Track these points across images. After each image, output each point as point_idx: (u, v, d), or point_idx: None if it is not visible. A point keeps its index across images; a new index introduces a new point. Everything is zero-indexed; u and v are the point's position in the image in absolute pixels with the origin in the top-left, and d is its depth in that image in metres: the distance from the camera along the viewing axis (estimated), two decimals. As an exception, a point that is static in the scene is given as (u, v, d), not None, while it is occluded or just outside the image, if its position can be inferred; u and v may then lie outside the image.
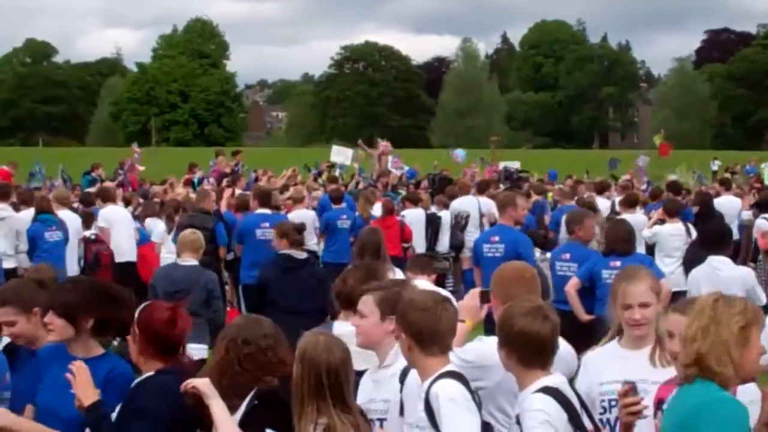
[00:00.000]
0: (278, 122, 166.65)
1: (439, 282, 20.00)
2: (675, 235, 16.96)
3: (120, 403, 5.85)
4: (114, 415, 5.78)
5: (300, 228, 13.28)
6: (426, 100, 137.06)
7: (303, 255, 12.81)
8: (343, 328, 7.27)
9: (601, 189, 24.26)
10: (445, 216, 20.74)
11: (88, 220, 18.01)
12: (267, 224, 16.45)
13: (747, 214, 22.09)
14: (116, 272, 17.10)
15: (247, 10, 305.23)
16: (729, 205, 22.07)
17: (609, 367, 6.15)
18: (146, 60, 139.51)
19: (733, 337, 4.59)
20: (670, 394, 5.12)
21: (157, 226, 18.60)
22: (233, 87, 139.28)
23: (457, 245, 20.48)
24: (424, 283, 8.68)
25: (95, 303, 6.24)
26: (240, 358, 5.59)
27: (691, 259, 15.01)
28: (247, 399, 5.50)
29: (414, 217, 20.37)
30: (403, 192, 26.77)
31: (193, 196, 21.68)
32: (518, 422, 5.36)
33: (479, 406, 5.43)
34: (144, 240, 18.41)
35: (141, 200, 23.74)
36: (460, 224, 20.61)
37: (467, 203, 21.13)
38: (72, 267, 16.54)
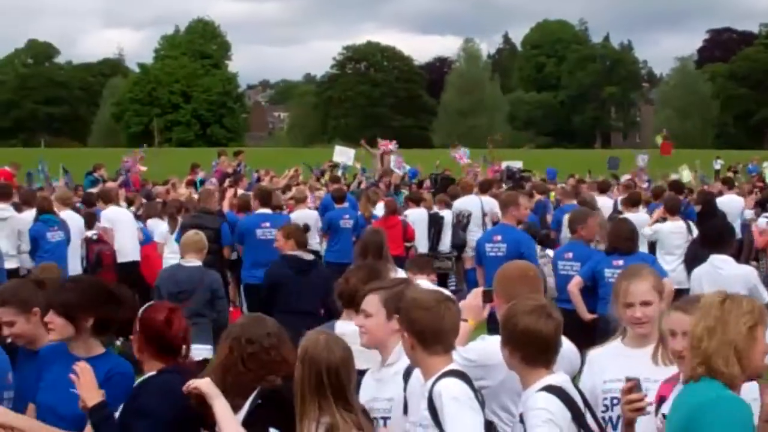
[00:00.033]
0: (280, 122, 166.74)
1: (442, 281, 20.06)
2: (676, 232, 16.95)
3: (120, 401, 5.87)
4: (117, 415, 5.79)
5: (305, 229, 13.31)
6: (428, 101, 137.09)
7: (310, 256, 12.86)
8: (345, 327, 7.28)
9: (604, 188, 24.24)
10: (448, 216, 20.75)
11: (90, 220, 18.03)
12: (268, 224, 16.46)
13: (749, 213, 22.11)
14: (119, 272, 17.14)
15: (248, 10, 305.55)
16: (732, 204, 22.08)
17: (612, 366, 6.15)
18: (148, 60, 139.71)
19: (742, 337, 4.59)
20: (672, 392, 5.12)
21: (159, 226, 18.60)
22: (235, 87, 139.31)
23: (459, 244, 20.48)
24: (424, 283, 8.68)
25: (95, 302, 6.25)
26: (243, 357, 5.59)
27: (693, 257, 15.06)
28: (251, 398, 5.50)
29: (417, 217, 20.38)
30: (405, 192, 26.79)
31: (195, 196, 21.70)
32: (522, 421, 5.36)
33: (482, 404, 5.43)
34: (147, 240, 18.43)
35: (144, 200, 23.76)
36: (461, 223, 20.61)
37: (470, 203, 21.12)
38: (75, 267, 16.56)
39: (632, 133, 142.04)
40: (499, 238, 13.82)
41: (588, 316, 12.08)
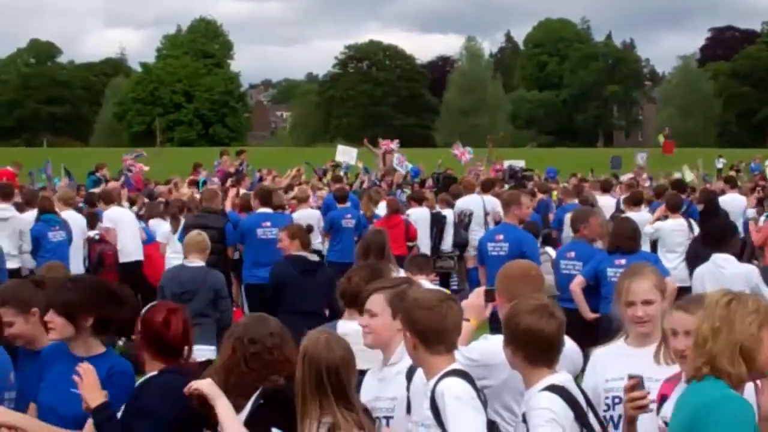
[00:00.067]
0: (282, 122, 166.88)
1: (444, 281, 20.08)
2: (677, 230, 16.98)
3: (121, 399, 5.89)
4: (119, 414, 5.80)
5: (309, 229, 13.33)
6: (430, 100, 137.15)
7: (315, 257, 12.89)
8: (347, 326, 7.28)
9: (606, 187, 24.25)
10: (450, 215, 20.75)
11: (92, 220, 18.03)
12: (268, 223, 16.45)
13: (752, 212, 22.09)
14: (122, 272, 17.15)
15: (251, 9, 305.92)
16: (734, 203, 22.06)
17: (614, 365, 6.15)
18: (150, 60, 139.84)
19: (748, 337, 4.58)
20: (674, 391, 5.12)
21: (161, 226, 18.61)
22: (237, 87, 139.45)
23: (460, 243, 20.48)
24: (424, 283, 8.68)
25: (95, 302, 6.26)
26: (246, 356, 5.59)
27: (694, 255, 15.08)
28: (253, 398, 5.50)
29: (419, 216, 20.37)
30: (407, 191, 26.79)
31: (197, 196, 21.70)
32: (524, 420, 5.36)
33: (485, 404, 5.42)
34: (149, 240, 18.44)
35: (146, 200, 23.77)
36: (463, 222, 20.61)
37: (472, 202, 21.12)
38: (77, 267, 16.55)
39: (635, 131, 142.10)
40: (501, 237, 13.82)
41: (590, 315, 12.07)
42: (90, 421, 5.84)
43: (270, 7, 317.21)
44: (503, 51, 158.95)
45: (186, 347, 6.06)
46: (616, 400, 6.02)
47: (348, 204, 20.27)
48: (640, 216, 17.42)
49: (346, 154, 34.10)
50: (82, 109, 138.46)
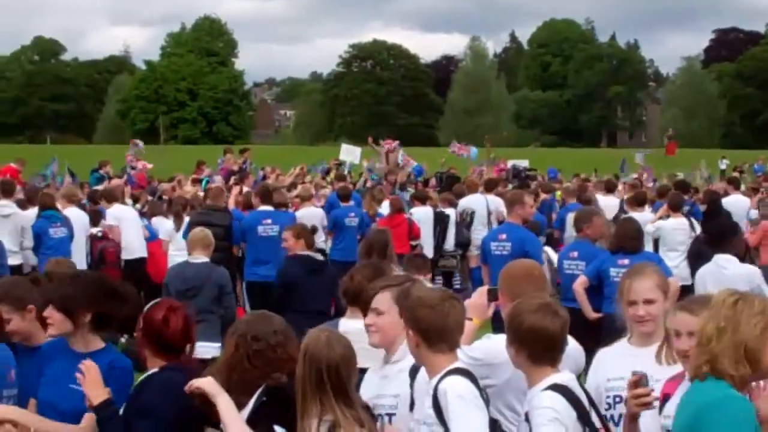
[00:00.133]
0: (286, 120, 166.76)
1: (447, 280, 20.10)
2: (678, 229, 17.05)
3: (120, 395, 5.92)
4: (121, 411, 5.81)
5: (313, 230, 13.37)
6: (434, 99, 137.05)
7: (320, 256, 12.93)
8: (349, 325, 7.29)
9: (610, 188, 24.28)
10: (453, 214, 20.77)
11: (95, 217, 18.05)
12: (269, 221, 16.46)
13: (755, 213, 22.10)
14: (125, 270, 17.19)
15: (255, 8, 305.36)
16: (737, 204, 22.10)
17: (616, 364, 6.17)
18: (154, 58, 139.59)
19: (753, 338, 4.58)
20: (676, 390, 5.12)
21: (164, 224, 18.62)
22: (241, 85, 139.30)
23: (462, 243, 20.50)
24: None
25: (93, 298, 6.28)
26: (249, 354, 5.59)
27: (695, 254, 15.13)
28: (256, 395, 5.50)
29: (422, 216, 20.38)
30: (411, 190, 26.80)
31: (201, 194, 21.73)
32: (527, 419, 5.36)
33: (487, 403, 5.43)
34: (152, 237, 18.45)
35: (149, 198, 23.78)
36: (465, 221, 20.63)
37: (475, 201, 21.15)
38: (80, 264, 16.50)
39: (638, 132, 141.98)
40: (504, 236, 13.83)
41: (593, 315, 12.08)
42: (87, 415, 5.85)
43: (274, 6, 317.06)
44: (507, 51, 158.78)
45: (188, 345, 6.06)
46: (617, 399, 6.05)
47: (351, 203, 20.32)
48: (643, 216, 17.45)
49: (350, 154, 34.09)
50: (85, 106, 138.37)
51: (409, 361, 5.82)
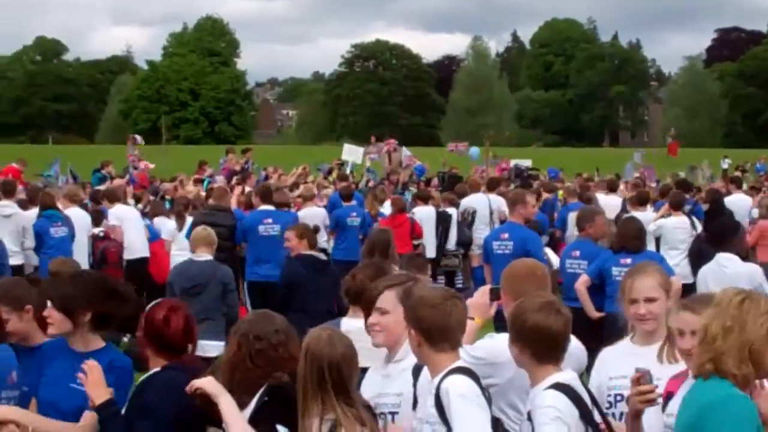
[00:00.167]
0: (288, 120, 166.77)
1: (449, 279, 20.11)
2: (679, 228, 17.09)
3: (121, 394, 5.94)
4: (123, 411, 5.81)
5: (315, 230, 13.37)
6: (436, 99, 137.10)
7: (323, 256, 12.95)
8: (351, 324, 7.29)
9: (613, 187, 24.31)
10: (455, 213, 20.79)
11: (97, 217, 18.05)
12: (270, 220, 16.46)
13: (757, 212, 22.11)
14: (128, 269, 17.20)
15: (257, 8, 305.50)
16: (740, 203, 22.16)
17: (618, 363, 6.18)
18: (157, 58, 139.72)
19: (759, 338, 4.58)
20: (680, 388, 5.11)
21: (166, 224, 18.63)
22: (243, 85, 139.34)
23: (464, 242, 20.52)
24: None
25: (92, 297, 6.28)
26: (252, 353, 5.57)
27: (696, 253, 15.15)
28: (258, 395, 5.49)
29: (425, 215, 20.40)
30: (413, 189, 26.83)
31: (203, 194, 21.75)
32: (529, 418, 5.35)
33: (489, 402, 5.42)
34: (154, 237, 18.45)
35: (151, 198, 23.80)
36: (466, 221, 20.65)
37: (477, 201, 21.18)
38: (82, 264, 16.50)
39: (640, 132, 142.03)
40: (506, 236, 13.82)
41: (595, 314, 12.10)
42: (87, 413, 5.86)
43: (276, 6, 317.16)
44: (509, 51, 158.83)
45: (189, 344, 6.06)
46: (618, 398, 6.07)
47: (353, 202, 20.33)
48: (646, 216, 17.49)
49: (352, 153, 34.10)
50: (87, 106, 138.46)
51: (412, 360, 5.81)
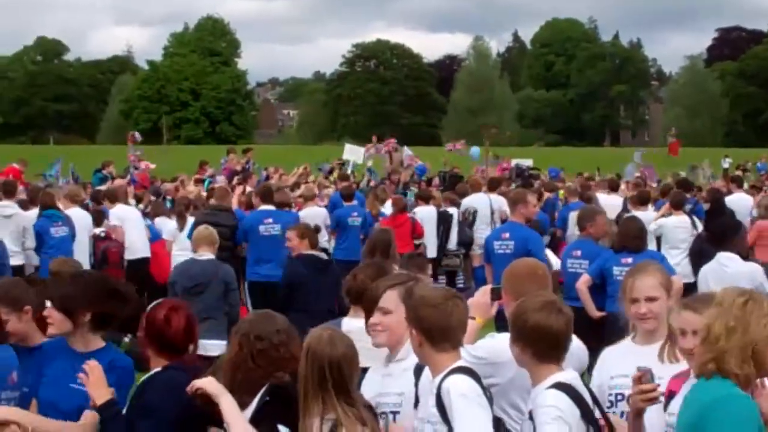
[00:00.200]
0: (289, 120, 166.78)
1: (450, 279, 20.11)
2: (680, 227, 17.10)
3: (120, 394, 5.95)
4: (124, 411, 5.82)
5: (316, 230, 13.37)
6: (437, 98, 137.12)
7: (325, 256, 12.96)
8: (352, 324, 7.29)
9: (614, 187, 24.30)
10: (456, 213, 20.78)
11: (98, 217, 18.06)
12: (270, 220, 16.45)
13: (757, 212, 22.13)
14: (129, 269, 17.21)
15: (258, 8, 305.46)
16: (741, 202, 22.16)
17: (620, 362, 6.18)
18: (157, 58, 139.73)
19: (762, 339, 4.58)
20: (682, 387, 5.11)
21: (166, 224, 18.63)
22: (244, 85, 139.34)
23: (465, 242, 20.50)
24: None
25: (92, 297, 6.28)
26: (253, 353, 5.57)
27: (697, 252, 15.15)
28: (259, 395, 5.49)
29: (426, 215, 20.40)
30: (414, 189, 26.83)
31: (204, 194, 21.75)
32: (531, 418, 5.35)
33: (490, 401, 5.42)
34: (155, 238, 18.46)
35: (152, 198, 23.80)
36: (467, 220, 20.64)
37: (478, 200, 21.17)
38: (83, 264, 16.53)
39: (641, 131, 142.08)
40: (507, 235, 13.81)
41: (596, 313, 12.09)
42: (87, 413, 5.86)
43: (277, 6, 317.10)
44: (510, 50, 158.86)
45: (190, 344, 6.07)
46: (619, 397, 6.07)
47: (354, 202, 20.33)
48: (647, 215, 17.48)
49: (353, 153, 34.10)
50: (88, 106, 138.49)
51: (413, 359, 5.81)
